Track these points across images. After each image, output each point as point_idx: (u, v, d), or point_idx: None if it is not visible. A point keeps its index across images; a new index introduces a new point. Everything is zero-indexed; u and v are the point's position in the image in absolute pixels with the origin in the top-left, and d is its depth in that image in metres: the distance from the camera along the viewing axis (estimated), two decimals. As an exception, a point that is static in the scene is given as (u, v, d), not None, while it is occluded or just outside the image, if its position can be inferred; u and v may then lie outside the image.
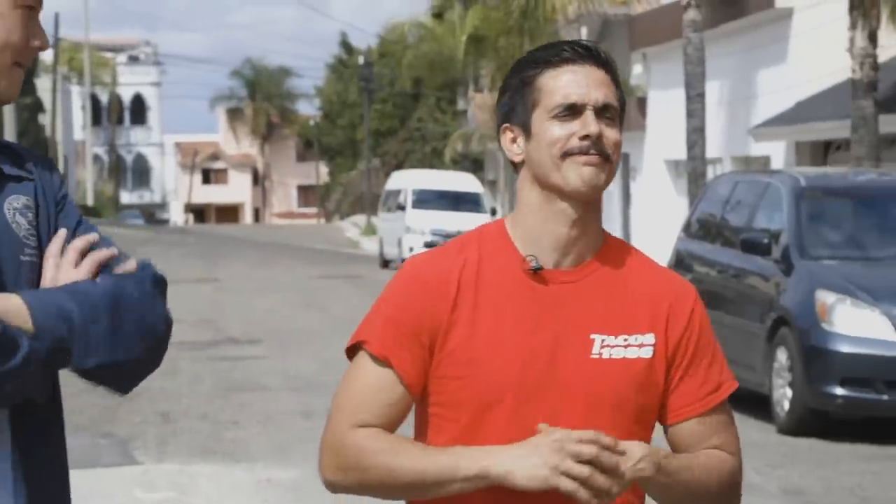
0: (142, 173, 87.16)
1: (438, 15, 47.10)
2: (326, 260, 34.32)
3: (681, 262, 13.84)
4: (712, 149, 24.75)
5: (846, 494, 9.11)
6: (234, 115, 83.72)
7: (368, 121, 56.32)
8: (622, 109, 2.52)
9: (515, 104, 2.51)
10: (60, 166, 55.18)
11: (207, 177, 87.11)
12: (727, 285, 12.70)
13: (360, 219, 54.58)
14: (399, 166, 51.19)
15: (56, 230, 2.43)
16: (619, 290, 2.51)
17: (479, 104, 44.18)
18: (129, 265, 2.41)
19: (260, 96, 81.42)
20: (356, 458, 2.43)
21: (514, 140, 2.52)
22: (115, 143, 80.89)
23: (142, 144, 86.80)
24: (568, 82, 2.47)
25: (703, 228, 13.78)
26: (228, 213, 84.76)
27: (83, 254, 2.39)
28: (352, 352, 2.51)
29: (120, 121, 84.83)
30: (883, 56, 20.20)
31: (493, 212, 33.44)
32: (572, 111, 2.46)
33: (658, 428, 2.62)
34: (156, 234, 43.32)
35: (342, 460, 2.45)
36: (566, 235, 2.49)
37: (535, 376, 2.44)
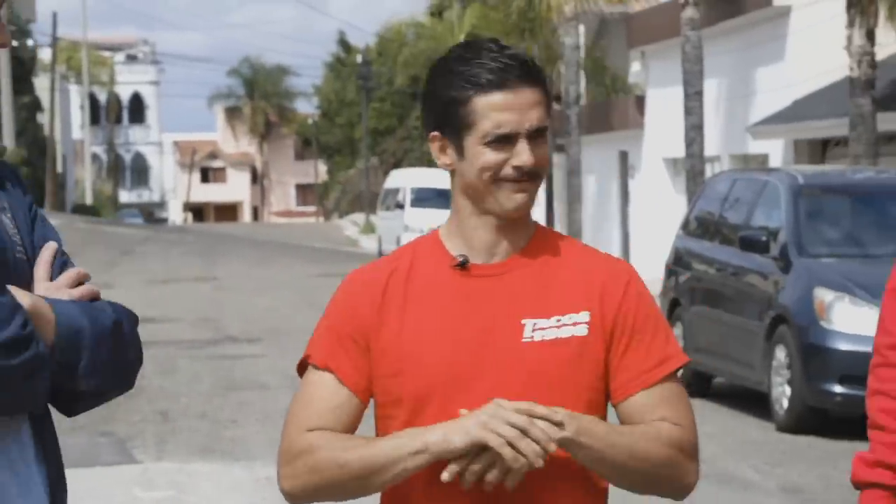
0: (140, 172, 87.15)
1: (437, 13, 47.11)
2: (325, 258, 34.31)
3: (679, 259, 13.85)
4: (710, 147, 24.75)
5: (845, 492, 9.11)
6: (232, 113, 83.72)
7: (367, 119, 56.31)
8: (549, 109, 2.56)
9: (446, 118, 2.52)
10: (59, 165, 55.16)
11: (206, 175, 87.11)
12: (726, 283, 12.70)
13: (359, 217, 54.57)
14: (397, 165, 51.19)
15: (32, 233, 2.44)
16: (551, 275, 2.54)
17: (477, 102, 44.13)
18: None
19: (258, 95, 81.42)
20: (306, 460, 2.48)
21: (442, 150, 2.55)
22: (113, 142, 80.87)
23: (140, 143, 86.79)
24: (501, 110, 2.47)
25: (701, 226, 13.78)
26: (227, 211, 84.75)
27: (71, 286, 2.41)
28: (302, 369, 2.60)
29: (118, 120, 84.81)
30: (881, 54, 20.21)
31: (492, 210, 33.45)
32: (505, 139, 2.49)
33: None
34: (155, 232, 43.32)
35: (295, 466, 2.50)
36: (493, 239, 2.55)
37: (465, 367, 2.48)
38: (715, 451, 10.44)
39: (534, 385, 2.47)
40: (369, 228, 47.04)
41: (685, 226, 14.14)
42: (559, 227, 33.82)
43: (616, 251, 32.79)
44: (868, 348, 10.88)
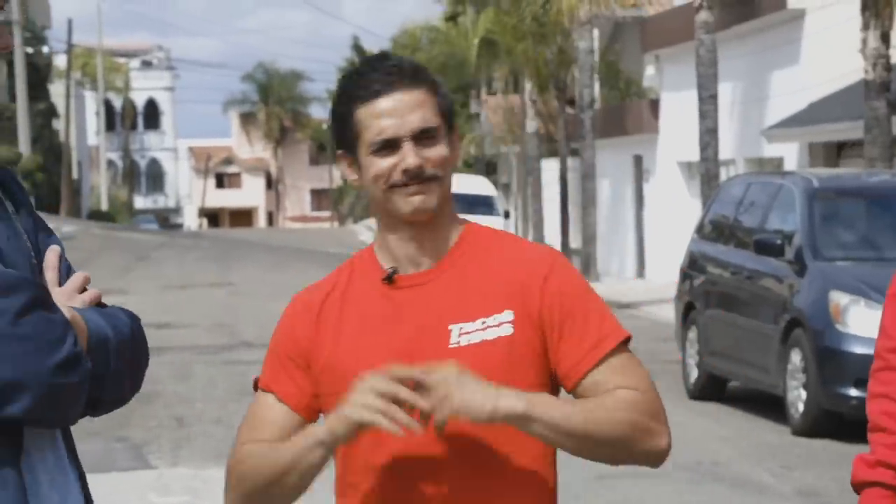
0: (155, 178, 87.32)
1: (452, 18, 47.11)
2: (340, 263, 34.26)
3: (694, 263, 13.83)
4: (725, 150, 24.72)
5: (861, 496, 9.10)
6: (246, 119, 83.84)
7: (381, 124, 56.28)
8: (448, 113, 2.57)
9: (341, 135, 2.59)
10: (74, 172, 55.28)
11: (221, 181, 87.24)
12: (740, 287, 12.68)
13: (374, 222, 54.52)
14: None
15: (36, 238, 2.46)
16: (476, 277, 2.56)
17: (491, 107, 44.18)
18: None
19: (272, 100, 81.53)
20: (235, 472, 2.55)
21: (349, 166, 2.61)
22: (128, 148, 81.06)
23: (155, 149, 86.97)
24: (381, 117, 2.52)
25: (716, 230, 13.76)
26: (242, 217, 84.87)
27: (79, 291, 2.43)
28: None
29: (133, 126, 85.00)
30: (896, 56, 20.17)
31: (507, 215, 33.44)
32: (390, 145, 2.53)
33: None
34: (170, 238, 43.40)
35: (229, 481, 2.57)
36: (413, 249, 2.58)
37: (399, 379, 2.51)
38: (730, 455, 10.43)
39: None
40: (384, 233, 46.91)
41: (700, 229, 14.13)
42: (573, 231, 33.81)
43: (631, 255, 32.77)
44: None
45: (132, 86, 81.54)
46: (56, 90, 54.87)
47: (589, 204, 30.36)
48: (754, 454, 10.49)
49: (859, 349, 10.80)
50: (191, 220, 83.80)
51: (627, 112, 33.12)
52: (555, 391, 2.55)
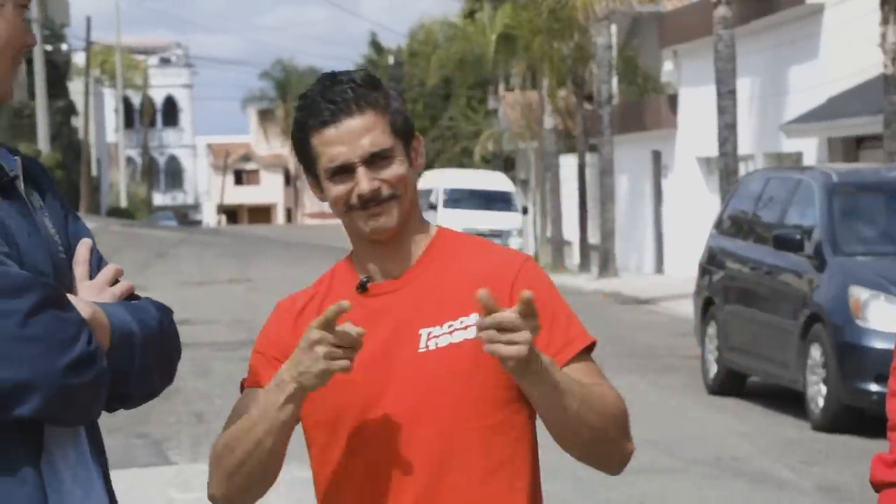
0: (174, 175, 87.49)
1: (469, 14, 47.09)
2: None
3: (713, 259, 13.81)
4: (744, 145, 24.66)
5: (881, 491, 9.07)
6: (265, 116, 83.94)
7: (399, 120, 56.23)
8: (404, 127, 2.59)
9: (301, 159, 2.64)
10: (93, 169, 55.42)
11: (239, 178, 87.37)
12: (760, 282, 12.66)
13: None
14: (430, 166, 51.22)
15: (66, 231, 2.46)
16: (445, 282, 2.60)
17: (509, 103, 44.14)
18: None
19: (291, 97, 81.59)
20: (214, 455, 2.57)
21: (315, 186, 2.66)
22: (147, 145, 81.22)
23: (174, 146, 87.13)
24: (332, 144, 2.56)
25: (735, 225, 13.73)
26: (260, 213, 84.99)
27: (110, 284, 2.43)
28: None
29: (152, 123, 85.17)
30: (915, 51, 20.07)
31: (525, 211, 33.41)
32: (344, 170, 2.57)
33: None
34: (189, 235, 43.48)
35: (211, 467, 2.59)
36: (382, 262, 2.62)
37: (372, 385, 2.55)
38: (750, 451, 10.41)
39: (434, 395, 2.53)
40: (402, 229, 46.88)
41: (719, 225, 14.10)
42: (592, 227, 33.77)
43: (649, 251, 32.72)
44: (904, 346, 10.41)
45: (151, 83, 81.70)
46: (75, 88, 55.01)
47: (607, 200, 30.31)
48: (774, 450, 10.47)
49: (879, 344, 10.77)
50: (209, 216, 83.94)
51: (646, 108, 33.06)
52: (521, 396, 2.56)
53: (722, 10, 22.86)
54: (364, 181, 2.55)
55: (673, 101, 31.31)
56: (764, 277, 12.59)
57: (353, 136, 2.55)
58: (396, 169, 2.57)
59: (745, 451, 10.43)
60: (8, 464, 2.24)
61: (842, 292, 11.16)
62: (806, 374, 11.41)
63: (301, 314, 2.65)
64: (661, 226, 32.26)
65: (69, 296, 2.28)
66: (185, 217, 78.98)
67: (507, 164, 46.71)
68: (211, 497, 2.60)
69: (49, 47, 46.30)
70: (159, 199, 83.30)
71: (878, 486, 2.65)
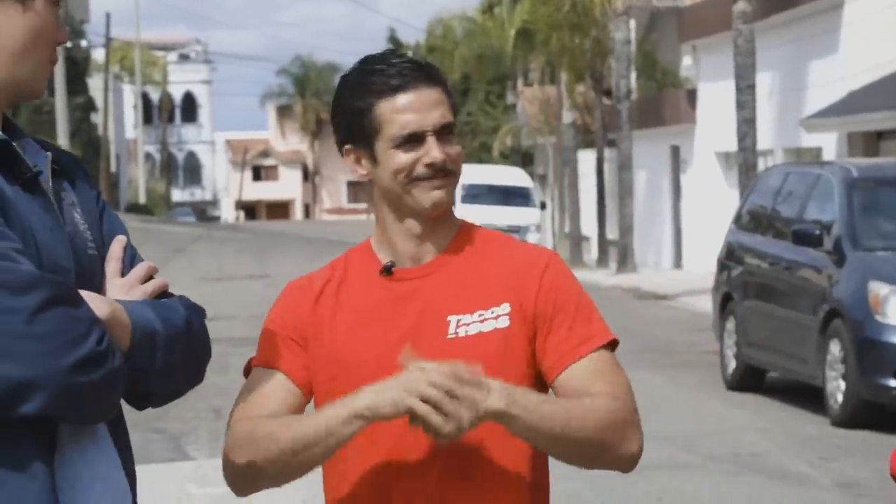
0: (193, 171, 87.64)
1: (488, 9, 47.05)
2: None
3: (732, 254, 13.77)
4: (763, 140, 24.59)
5: (901, 487, 9.05)
6: (283, 111, 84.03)
7: (418, 116, 56.25)
8: (455, 113, 2.63)
9: (354, 130, 2.61)
10: (112, 165, 55.56)
11: (258, 173, 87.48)
12: (779, 277, 12.62)
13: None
14: (448, 161, 51.07)
15: (101, 227, 2.46)
16: (474, 272, 2.61)
17: (528, 98, 44.12)
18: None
19: (309, 93, 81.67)
20: (246, 445, 2.52)
21: (357, 161, 2.64)
22: (166, 141, 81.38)
23: (193, 142, 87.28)
24: (404, 111, 2.56)
25: (754, 220, 13.70)
26: (279, 209, 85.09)
27: (142, 281, 2.43)
28: (246, 374, 2.67)
29: (171, 119, 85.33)
30: (936, 45, 20.01)
31: (543, 206, 33.38)
32: (414, 139, 2.56)
33: None
34: (207, 231, 43.56)
35: (235, 453, 2.54)
36: (418, 245, 2.62)
37: (394, 370, 2.51)
38: (768, 447, 10.38)
39: None
40: (421, 225, 46.88)
41: (737, 220, 14.06)
42: (610, 222, 33.72)
43: (668, 246, 32.66)
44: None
45: (170, 79, 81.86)
46: (94, 84, 55.15)
47: (626, 195, 30.27)
48: (793, 445, 10.45)
49: (899, 340, 10.73)
50: (228, 212, 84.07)
51: (664, 102, 33.00)
52: (542, 386, 2.59)
53: (741, 5, 22.80)
54: (435, 149, 2.56)
55: (692, 95, 31.24)
56: (783, 273, 12.55)
57: (425, 105, 2.56)
58: (457, 147, 2.61)
59: (764, 446, 10.40)
60: (18, 460, 2.24)
61: (861, 287, 11.13)
62: (825, 369, 11.37)
63: (321, 295, 2.63)
64: (680, 221, 32.20)
65: (86, 293, 2.27)
66: (203, 213, 79.10)
67: (525, 159, 46.69)
68: (231, 482, 2.58)
69: (69, 44, 46.38)
70: (178, 195, 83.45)
71: None
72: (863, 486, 9.05)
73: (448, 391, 2.36)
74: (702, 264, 26.47)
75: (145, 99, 77.48)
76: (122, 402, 2.37)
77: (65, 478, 2.28)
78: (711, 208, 28.60)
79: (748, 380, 13.13)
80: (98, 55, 61.28)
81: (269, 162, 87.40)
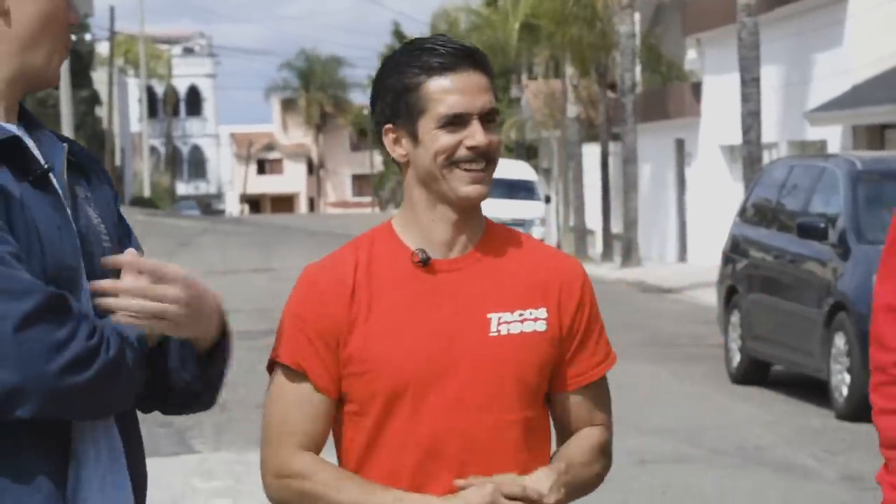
0: (197, 164, 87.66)
1: (493, 2, 47.01)
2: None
3: (736, 247, 13.77)
4: (768, 133, 24.56)
5: (906, 480, 9.04)
6: (288, 105, 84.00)
7: (422, 109, 56.24)
8: (495, 97, 2.62)
9: (398, 108, 2.56)
10: (117, 158, 55.57)
11: (262, 167, 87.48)
12: (784, 270, 12.61)
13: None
14: (453, 155, 51.07)
15: (118, 225, 2.46)
16: (509, 270, 2.60)
17: (532, 92, 44.08)
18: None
19: (314, 87, 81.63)
20: (296, 484, 2.57)
21: (396, 141, 2.59)
22: (171, 135, 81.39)
23: (197, 136, 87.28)
24: (452, 92, 2.54)
25: (758, 213, 13.69)
26: (283, 202, 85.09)
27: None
28: (270, 369, 2.64)
29: (175, 112, 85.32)
30: (941, 38, 19.98)
31: (548, 199, 33.35)
32: (459, 121, 2.54)
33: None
34: (212, 224, 43.57)
35: (283, 484, 2.59)
36: (451, 233, 2.59)
37: (435, 364, 2.53)
38: (774, 440, 10.38)
39: (503, 380, 2.55)
40: (425, 218, 46.88)
41: (742, 213, 14.05)
42: (615, 215, 33.70)
43: (673, 239, 32.65)
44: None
45: (174, 73, 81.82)
46: (99, 77, 55.15)
47: (630, 188, 30.24)
48: (798, 439, 10.44)
49: (904, 333, 10.71)
50: (232, 206, 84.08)
51: (669, 96, 32.97)
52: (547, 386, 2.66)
53: (745, -2, 22.76)
54: (480, 133, 2.54)
55: (696, 89, 31.21)
56: (788, 266, 12.54)
57: (472, 88, 2.54)
58: (497, 135, 2.60)
59: (769, 440, 10.40)
60: (22, 469, 2.24)
61: (866, 280, 11.12)
62: (830, 362, 11.37)
63: (354, 293, 2.57)
64: (685, 214, 32.18)
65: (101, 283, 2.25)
66: (208, 206, 79.13)
67: (529, 152, 46.66)
68: (274, 500, 2.63)
69: (73, 37, 46.32)
70: (182, 188, 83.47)
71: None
72: (868, 480, 9.05)
73: None
74: (706, 257, 26.46)
75: (150, 92, 77.48)
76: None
77: (73, 485, 2.28)
78: (716, 201, 28.58)
79: (753, 373, 13.13)
80: (102, 49, 61.27)
81: (273, 155, 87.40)
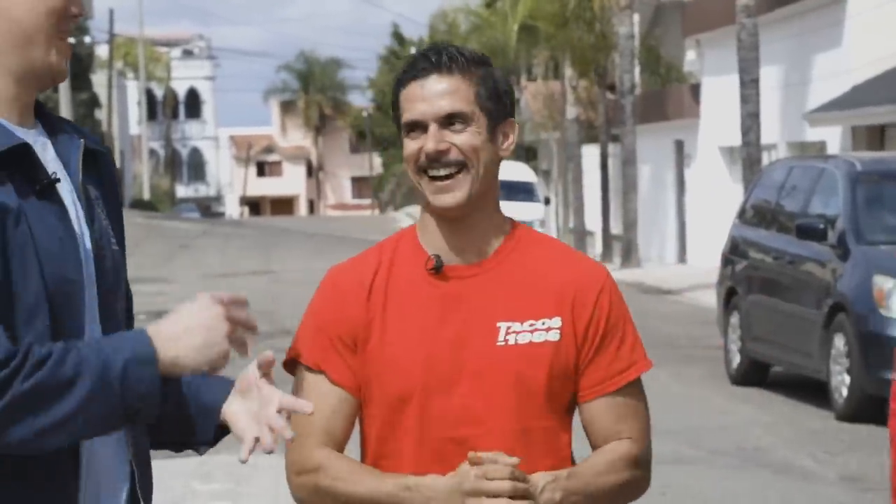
0: (197, 167, 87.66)
1: (491, 4, 47.03)
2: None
3: (736, 248, 13.77)
4: (767, 135, 24.57)
5: (906, 481, 9.04)
6: (287, 107, 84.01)
7: (421, 111, 56.27)
8: (495, 103, 2.56)
9: (395, 117, 2.64)
10: (117, 161, 55.43)
11: (262, 169, 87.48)
12: (783, 271, 12.62)
13: (414, 209, 54.66)
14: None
15: (120, 216, 2.44)
16: (525, 278, 2.58)
17: (531, 93, 44.09)
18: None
19: (313, 89, 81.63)
20: (313, 479, 2.59)
21: (404, 148, 2.64)
22: (170, 137, 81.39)
23: (197, 138, 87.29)
24: (412, 99, 2.56)
25: (758, 215, 13.69)
26: (283, 205, 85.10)
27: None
28: (289, 367, 2.67)
29: (175, 115, 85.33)
30: (939, 38, 19.98)
31: (547, 201, 33.37)
32: (418, 127, 2.54)
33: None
34: (211, 226, 43.58)
35: (303, 480, 2.60)
36: (455, 240, 2.58)
37: (441, 370, 2.54)
38: (773, 441, 10.38)
39: (506, 390, 2.54)
40: (425, 220, 46.94)
41: (742, 214, 14.06)
42: (614, 217, 33.71)
43: (672, 240, 32.65)
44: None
45: (173, 75, 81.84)
46: (98, 80, 55.16)
47: (630, 190, 30.25)
48: (797, 440, 10.45)
49: (903, 334, 10.72)
50: (232, 208, 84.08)
51: (668, 97, 32.97)
52: (575, 398, 2.62)
53: (744, -1, 22.77)
54: (431, 140, 2.53)
55: (695, 90, 31.21)
56: (787, 267, 12.55)
57: (434, 94, 2.55)
58: (469, 137, 2.54)
59: (769, 441, 10.40)
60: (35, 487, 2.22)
61: (865, 281, 11.12)
62: (829, 363, 11.37)
63: (370, 294, 2.59)
64: (684, 215, 32.19)
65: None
66: (207, 209, 79.12)
67: (529, 154, 46.67)
68: (298, 500, 2.64)
69: (72, 40, 46.37)
70: (182, 191, 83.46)
71: None
72: (867, 481, 9.05)
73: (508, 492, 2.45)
74: (706, 259, 26.46)
75: (149, 95, 77.48)
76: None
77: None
78: (715, 203, 28.58)
79: (752, 374, 13.13)
80: (102, 51, 61.28)
81: (272, 158, 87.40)
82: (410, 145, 2.55)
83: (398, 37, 69.11)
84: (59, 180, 2.29)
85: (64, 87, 40.53)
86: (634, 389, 2.63)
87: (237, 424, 2.42)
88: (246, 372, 2.44)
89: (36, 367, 2.14)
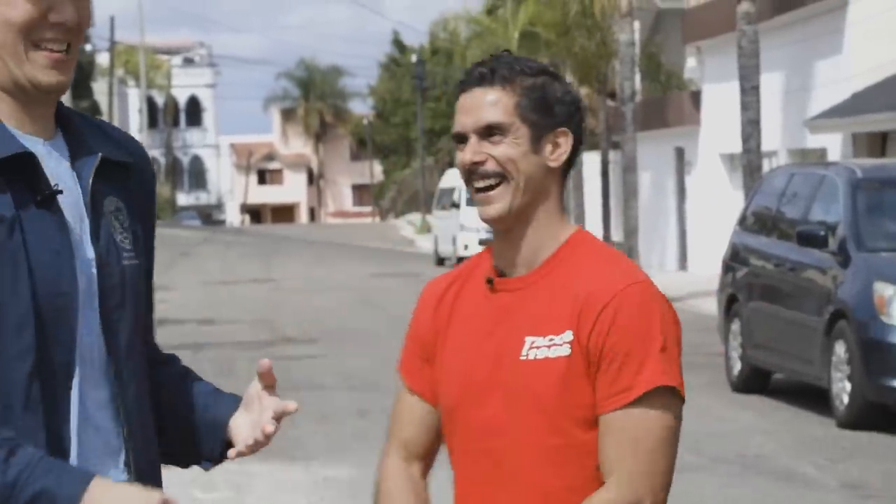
0: (198, 175, 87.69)
1: (491, 11, 47.04)
2: (381, 258, 34.39)
3: (737, 255, 13.76)
4: (768, 142, 24.57)
5: (907, 488, 9.03)
6: (287, 115, 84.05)
7: (422, 119, 56.36)
8: (537, 117, 2.54)
9: None
10: (117, 169, 55.55)
11: (263, 177, 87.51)
12: (784, 279, 12.61)
13: (415, 217, 54.63)
14: (453, 164, 51.16)
15: (149, 226, 2.43)
16: (556, 291, 2.56)
17: (532, 100, 44.05)
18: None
19: (314, 96, 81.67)
20: (376, 491, 2.69)
21: None
22: (171, 145, 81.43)
23: (197, 146, 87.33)
24: (458, 111, 2.60)
25: (758, 222, 13.69)
26: (284, 212, 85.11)
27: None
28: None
29: (176, 123, 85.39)
30: (940, 45, 19.99)
31: (548, 208, 33.35)
32: (460, 140, 2.58)
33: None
34: (212, 234, 43.57)
35: (376, 483, 2.71)
36: (507, 252, 2.60)
37: (478, 381, 2.57)
38: (774, 448, 10.37)
39: (519, 405, 2.54)
40: (425, 228, 47.05)
41: (742, 221, 14.05)
42: (615, 224, 33.71)
43: (673, 248, 32.64)
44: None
45: (174, 83, 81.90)
46: (99, 88, 55.20)
47: (630, 197, 30.24)
48: (798, 447, 10.44)
49: (904, 341, 10.72)
50: (233, 216, 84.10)
51: (669, 104, 32.98)
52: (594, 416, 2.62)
53: (745, 6, 22.78)
54: (468, 151, 2.56)
55: (696, 97, 31.22)
56: (788, 274, 12.54)
57: (475, 106, 2.56)
58: (506, 149, 2.53)
59: (770, 448, 10.39)
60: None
61: (866, 288, 11.12)
62: (830, 370, 11.36)
63: (441, 301, 2.65)
64: (685, 223, 32.18)
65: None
66: (208, 217, 79.14)
67: (529, 161, 46.66)
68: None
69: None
70: (183, 198, 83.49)
71: None
72: (868, 488, 9.04)
73: None
74: (707, 266, 26.45)
75: (150, 103, 77.53)
76: None
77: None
78: (716, 210, 28.58)
79: (753, 381, 13.12)
80: (102, 59, 61.31)
81: (273, 165, 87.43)
82: (458, 157, 2.60)
83: (399, 44, 69.13)
84: (60, 192, 2.27)
85: (65, 96, 40.58)
86: (641, 419, 2.48)
87: (238, 437, 2.47)
88: (250, 387, 2.49)
89: None
